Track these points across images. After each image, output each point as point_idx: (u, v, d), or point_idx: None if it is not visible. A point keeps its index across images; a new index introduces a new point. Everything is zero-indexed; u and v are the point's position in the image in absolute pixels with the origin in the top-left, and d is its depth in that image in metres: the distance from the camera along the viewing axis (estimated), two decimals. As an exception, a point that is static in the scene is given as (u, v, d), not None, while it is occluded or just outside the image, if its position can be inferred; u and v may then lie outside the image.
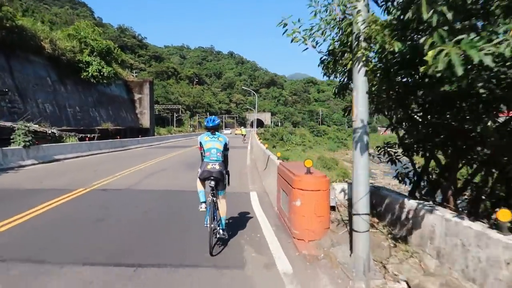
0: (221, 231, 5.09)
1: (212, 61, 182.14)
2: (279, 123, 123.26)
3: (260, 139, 31.52)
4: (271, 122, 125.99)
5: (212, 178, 4.98)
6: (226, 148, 5.22)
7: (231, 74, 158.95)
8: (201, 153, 5.18)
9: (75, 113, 25.87)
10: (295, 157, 35.15)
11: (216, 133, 5.24)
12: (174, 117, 71.27)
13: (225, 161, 5.23)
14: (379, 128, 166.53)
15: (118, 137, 28.13)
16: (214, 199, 5.02)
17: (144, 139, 31.48)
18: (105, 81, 29.16)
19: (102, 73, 28.33)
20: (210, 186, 4.99)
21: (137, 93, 37.86)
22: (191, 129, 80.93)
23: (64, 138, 20.47)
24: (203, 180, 5.15)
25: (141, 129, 36.78)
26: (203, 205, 5.17)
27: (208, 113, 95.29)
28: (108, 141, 23.78)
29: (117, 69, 34.49)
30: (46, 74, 23.59)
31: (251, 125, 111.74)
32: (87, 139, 21.87)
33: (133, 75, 47.76)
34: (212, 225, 4.87)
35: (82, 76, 28.06)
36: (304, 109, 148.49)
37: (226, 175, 5.20)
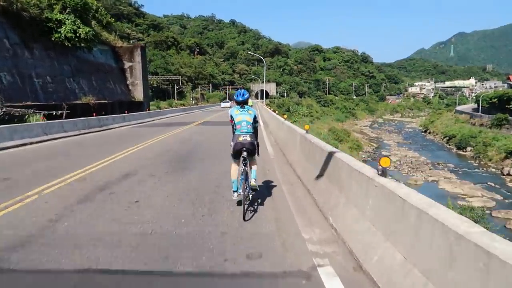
0: (253, 180, 5.44)
1: (213, 30, 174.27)
2: (285, 93, 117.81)
3: (281, 114, 27.12)
4: (277, 92, 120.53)
5: (244, 149, 5.28)
6: (255, 120, 5.50)
7: (234, 44, 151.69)
8: (232, 126, 5.49)
9: (45, 84, 20.90)
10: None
11: (245, 106, 5.50)
12: (175, 89, 66.29)
13: (255, 133, 5.53)
14: (387, 96, 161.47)
15: (103, 112, 23.35)
16: (247, 168, 5.33)
17: (132, 115, 26.28)
18: (83, 44, 23.86)
19: (78, 35, 22.97)
20: (243, 157, 5.29)
21: (127, 61, 32.58)
22: (193, 102, 76.04)
23: (27, 117, 15.83)
24: (236, 152, 5.38)
25: (133, 103, 31.82)
26: (235, 194, 5.46)
27: (210, 85, 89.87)
28: (78, 119, 18.49)
29: (101, 32, 29.22)
30: (2, 35, 18.58)
31: (256, 96, 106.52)
32: (42, 118, 16.70)
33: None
34: (244, 193, 5.18)
35: (53, 39, 22.65)
36: (310, 78, 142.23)
37: (257, 146, 5.49)
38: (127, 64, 32.39)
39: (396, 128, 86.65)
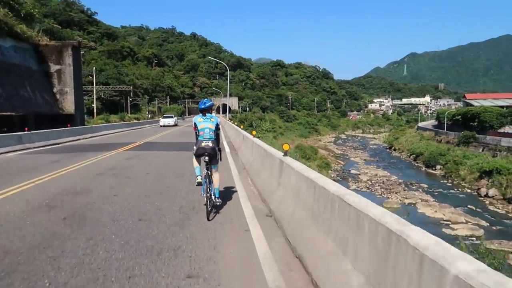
0: (216, 198, 5.86)
1: (173, 43, 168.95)
2: (247, 108, 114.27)
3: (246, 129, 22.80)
4: (239, 107, 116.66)
5: (206, 154, 5.63)
6: (217, 127, 5.89)
7: (195, 56, 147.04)
8: (196, 133, 5.87)
9: None
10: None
11: (208, 114, 5.87)
12: (128, 101, 60.21)
13: (217, 139, 5.90)
14: (349, 112, 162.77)
15: (5, 129, 17.30)
16: (209, 172, 5.67)
17: (40, 134, 17.82)
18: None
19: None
20: (205, 161, 5.66)
21: (54, 63, 25.73)
22: (149, 116, 70.11)
23: None
24: (198, 156, 5.79)
25: (59, 117, 25.41)
26: (199, 177, 5.73)
27: (168, 97, 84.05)
28: None
29: (17, 25, 23.29)
30: None
31: (217, 111, 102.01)
32: None
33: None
34: (207, 195, 5.50)
35: None
36: (273, 93, 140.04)
37: (219, 152, 5.86)
38: (53, 67, 25.77)
39: (360, 144, 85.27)
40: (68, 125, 22.51)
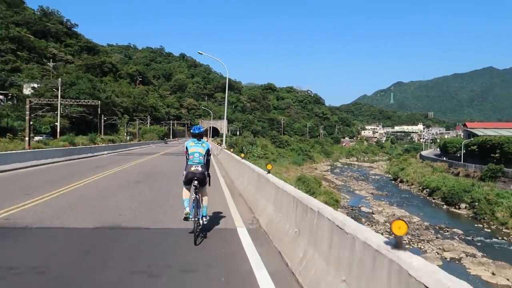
0: (204, 218, 5.85)
1: (161, 63, 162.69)
2: (237, 131, 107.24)
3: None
4: (228, 130, 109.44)
5: (195, 178, 5.67)
6: (208, 153, 5.93)
7: (183, 76, 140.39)
8: (186, 157, 5.89)
9: None
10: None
11: (201, 139, 5.98)
12: (102, 120, 52.09)
13: (207, 164, 5.92)
14: (342, 139, 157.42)
15: None
16: (198, 196, 5.75)
17: None
18: None
19: None
20: (194, 185, 5.68)
21: None
22: (127, 138, 61.99)
23: None
24: (187, 181, 5.76)
25: None
26: (187, 209, 5.69)
27: (149, 117, 75.93)
28: None
29: None
30: None
31: (206, 134, 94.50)
32: None
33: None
34: (195, 219, 5.54)
35: None
36: (264, 117, 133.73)
37: (208, 176, 5.92)
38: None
39: (360, 174, 78.57)
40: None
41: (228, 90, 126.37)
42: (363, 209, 40.38)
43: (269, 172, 8.08)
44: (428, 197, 47.63)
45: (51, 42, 76.49)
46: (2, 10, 67.48)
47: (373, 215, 37.43)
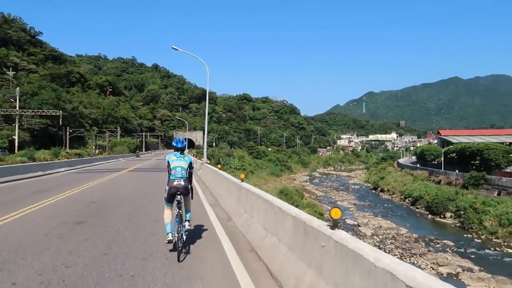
0: (187, 222, 5.89)
1: (133, 73, 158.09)
2: (213, 143, 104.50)
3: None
4: (204, 142, 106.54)
5: (179, 193, 5.56)
6: (191, 166, 5.84)
7: (156, 87, 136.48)
8: (168, 171, 5.72)
9: None
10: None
11: (183, 153, 5.86)
12: (67, 133, 48.16)
13: (189, 178, 5.84)
14: (318, 149, 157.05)
15: None
16: (181, 211, 5.55)
17: None
18: None
19: None
20: (177, 200, 5.57)
21: None
22: (96, 151, 58.10)
23: None
24: (170, 196, 5.59)
25: None
26: (170, 235, 5.46)
27: (119, 129, 71.82)
28: None
29: None
30: None
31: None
32: None
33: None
34: (178, 235, 5.36)
35: None
36: (240, 127, 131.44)
37: (191, 190, 5.82)
38: None
39: (339, 184, 77.42)
40: None
41: (203, 100, 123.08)
42: (348, 221, 38.70)
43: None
44: (411, 206, 46.63)
45: (12, 50, 71.70)
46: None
47: (359, 228, 35.76)
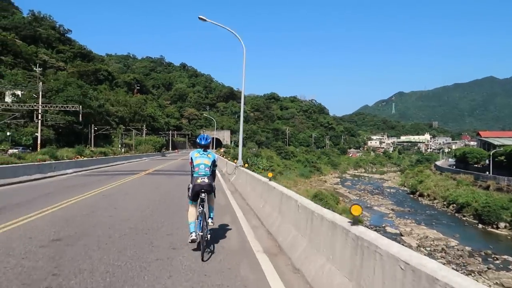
0: (210, 221, 5.81)
1: (161, 72, 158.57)
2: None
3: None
4: (231, 141, 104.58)
5: (202, 190, 5.44)
6: (214, 164, 5.72)
7: (183, 86, 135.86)
8: (191, 168, 5.63)
9: None
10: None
11: (207, 150, 5.72)
12: (92, 130, 46.97)
13: (213, 175, 5.70)
14: (348, 150, 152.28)
15: None
16: (204, 210, 5.45)
17: None
18: None
19: None
20: (201, 198, 5.44)
21: None
22: (123, 150, 56.75)
23: None
24: (194, 195, 5.47)
25: None
26: (193, 235, 5.41)
27: (144, 127, 70.47)
28: None
29: None
30: None
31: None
32: None
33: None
34: (202, 234, 5.21)
35: None
36: (268, 127, 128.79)
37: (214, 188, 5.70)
38: None
39: (373, 187, 73.26)
40: None
41: (230, 99, 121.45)
42: (389, 229, 35.23)
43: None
44: (456, 214, 42.54)
45: (41, 48, 72.02)
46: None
47: (402, 237, 32.27)
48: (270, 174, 8.20)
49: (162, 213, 9.01)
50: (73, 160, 22.81)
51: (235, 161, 19.45)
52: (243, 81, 14.88)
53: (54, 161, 20.57)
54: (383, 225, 37.41)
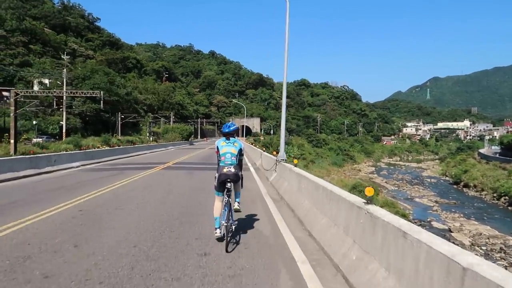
0: (236, 204, 5.63)
1: (190, 60, 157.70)
2: (271, 130, 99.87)
3: None
4: (261, 129, 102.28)
5: (229, 180, 5.23)
6: (241, 153, 5.43)
7: (212, 73, 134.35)
8: (217, 157, 5.38)
9: None
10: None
11: (232, 138, 5.43)
12: (119, 119, 45.90)
13: (239, 164, 5.43)
14: (383, 137, 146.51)
15: None
16: (230, 200, 5.26)
17: None
18: None
19: None
20: (227, 188, 5.25)
21: None
22: (151, 139, 55.62)
23: None
24: (221, 184, 5.25)
25: None
26: (218, 231, 5.27)
27: (172, 115, 69.00)
28: None
29: None
30: None
31: (237, 133, 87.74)
32: None
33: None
34: (226, 224, 5.04)
35: None
36: (299, 114, 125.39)
37: (241, 178, 5.44)
38: None
39: (412, 176, 69.02)
40: None
41: (260, 86, 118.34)
42: (435, 224, 31.85)
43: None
44: (510, 208, 38.50)
45: (70, 37, 72.04)
46: (17, 2, 63.65)
47: (451, 234, 28.89)
48: (295, 161, 7.40)
49: (177, 224, 6.07)
50: (80, 151, 20.21)
51: (274, 152, 15.54)
52: (286, 46, 12.11)
53: (54, 153, 17.33)
54: (428, 219, 34.08)
